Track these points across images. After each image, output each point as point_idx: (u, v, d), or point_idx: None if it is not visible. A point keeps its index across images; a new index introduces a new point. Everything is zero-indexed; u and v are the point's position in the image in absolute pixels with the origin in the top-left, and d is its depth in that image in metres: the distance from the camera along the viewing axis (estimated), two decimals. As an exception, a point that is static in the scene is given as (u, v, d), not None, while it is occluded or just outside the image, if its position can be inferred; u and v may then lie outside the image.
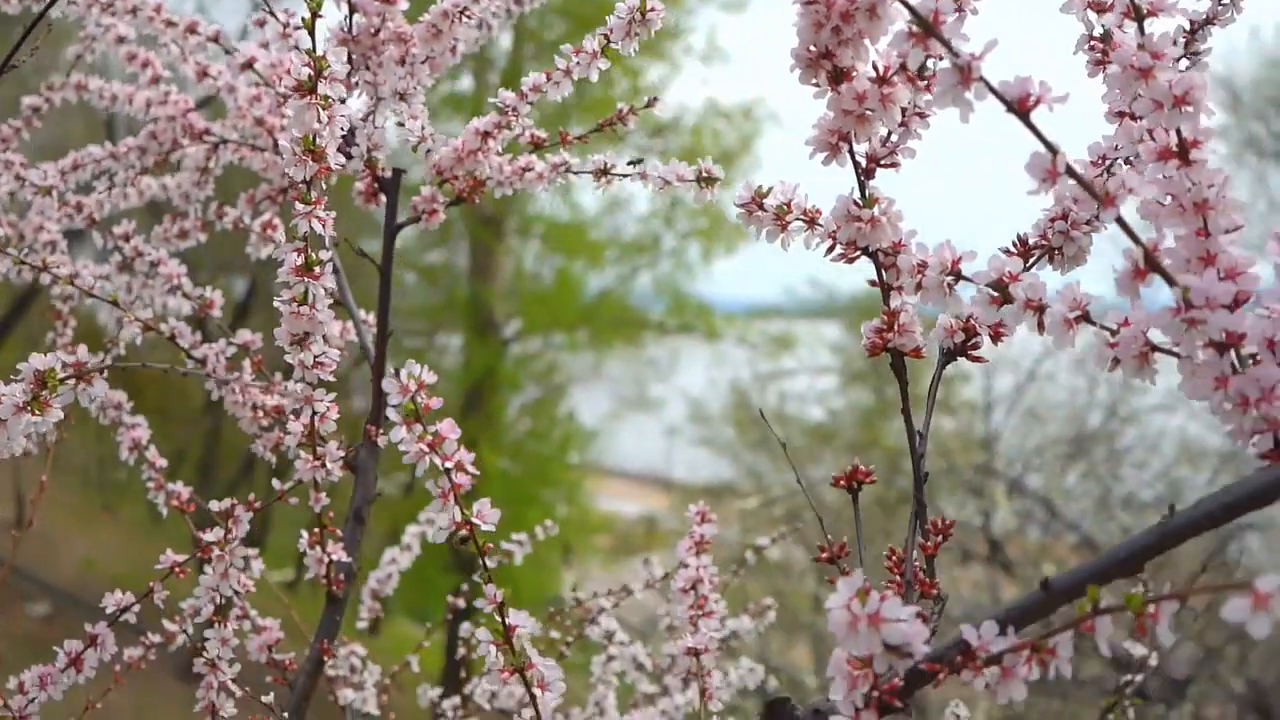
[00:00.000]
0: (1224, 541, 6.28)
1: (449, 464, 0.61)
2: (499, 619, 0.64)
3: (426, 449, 0.61)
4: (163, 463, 1.09)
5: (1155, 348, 0.53)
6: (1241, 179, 10.18)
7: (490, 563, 0.66)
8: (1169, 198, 0.54)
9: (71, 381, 0.66)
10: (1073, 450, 6.73)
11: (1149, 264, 0.50)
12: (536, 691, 0.64)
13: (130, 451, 1.09)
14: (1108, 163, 0.69)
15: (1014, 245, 0.68)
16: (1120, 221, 0.50)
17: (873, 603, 0.49)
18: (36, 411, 0.66)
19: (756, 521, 8.03)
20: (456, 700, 1.35)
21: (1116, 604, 0.46)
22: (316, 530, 0.95)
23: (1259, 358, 0.51)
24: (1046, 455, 6.73)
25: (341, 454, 0.89)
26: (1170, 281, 0.50)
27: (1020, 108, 0.50)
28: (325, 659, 0.98)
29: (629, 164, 0.94)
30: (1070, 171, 0.49)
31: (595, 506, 11.25)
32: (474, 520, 0.62)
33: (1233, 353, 0.52)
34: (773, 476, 8.85)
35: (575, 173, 0.95)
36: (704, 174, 0.83)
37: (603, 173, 0.94)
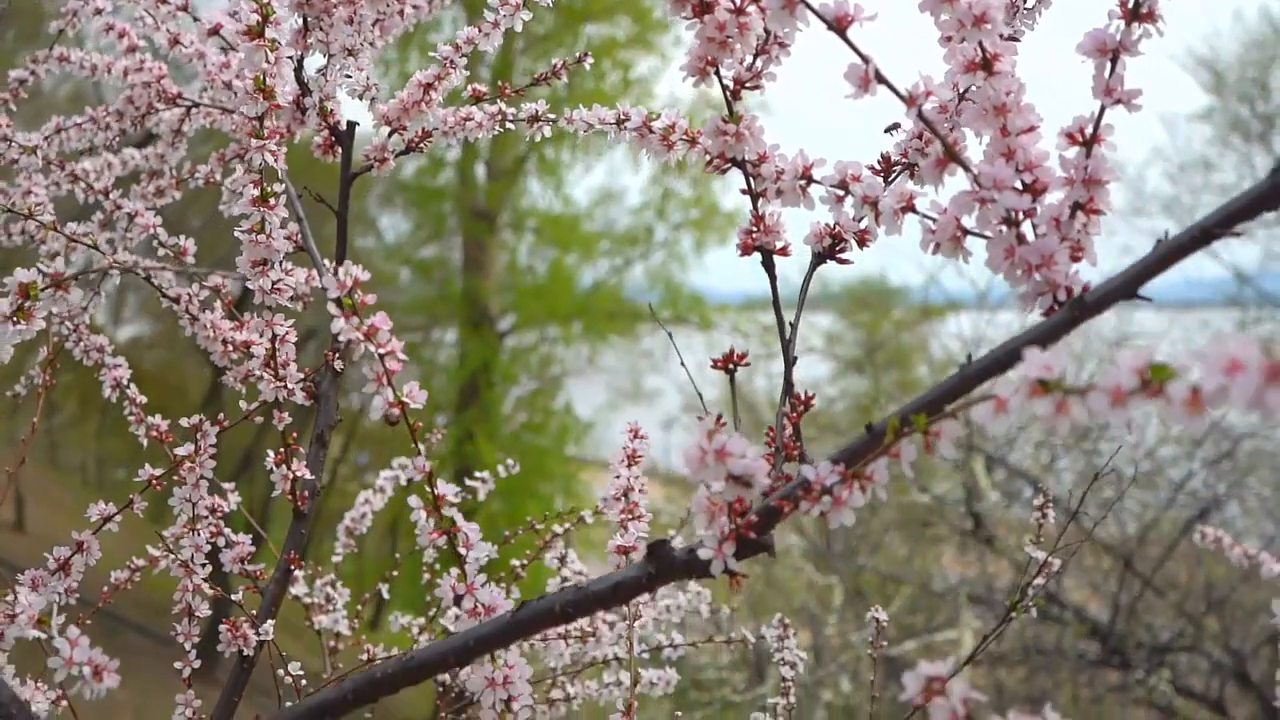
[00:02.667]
0: (1203, 512, 6.39)
1: (382, 350, 0.71)
2: (428, 488, 0.73)
3: (363, 337, 0.70)
4: (142, 399, 1.18)
5: (966, 231, 0.63)
6: (1228, 161, 10.28)
7: (423, 447, 0.75)
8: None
9: (51, 290, 0.75)
10: (1127, 487, 6.83)
11: (949, 155, 0.60)
12: (462, 550, 0.73)
13: (112, 390, 1.19)
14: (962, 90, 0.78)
15: (878, 161, 0.77)
16: (922, 118, 0.60)
17: (719, 440, 0.59)
18: (21, 319, 0.76)
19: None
20: (422, 620, 1.45)
21: (912, 428, 0.56)
22: (281, 450, 1.04)
23: (1046, 233, 0.60)
24: (1029, 432, 6.84)
25: (301, 375, 0.99)
26: (965, 168, 0.60)
27: (839, 25, 0.59)
28: (292, 568, 1.07)
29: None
30: (879, 77, 0.59)
31: (593, 499, 11.33)
32: (405, 399, 0.72)
33: (1030, 230, 0.62)
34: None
35: (511, 120, 1.05)
36: (621, 118, 0.93)
37: (535, 119, 1.04)
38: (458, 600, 0.73)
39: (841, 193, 0.68)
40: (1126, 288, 0.56)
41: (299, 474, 1.05)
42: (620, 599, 0.67)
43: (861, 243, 0.76)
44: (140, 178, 1.29)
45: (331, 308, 0.70)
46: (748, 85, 0.70)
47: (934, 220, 0.64)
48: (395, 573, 1.54)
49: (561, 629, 1.18)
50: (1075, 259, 0.60)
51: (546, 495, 10.93)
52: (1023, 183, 0.61)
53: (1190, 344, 8.67)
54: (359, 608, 1.44)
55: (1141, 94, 0.60)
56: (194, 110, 1.28)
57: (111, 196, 1.20)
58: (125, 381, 1.19)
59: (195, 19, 1.17)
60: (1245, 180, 10.43)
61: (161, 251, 1.15)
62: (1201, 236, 0.55)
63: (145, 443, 1.16)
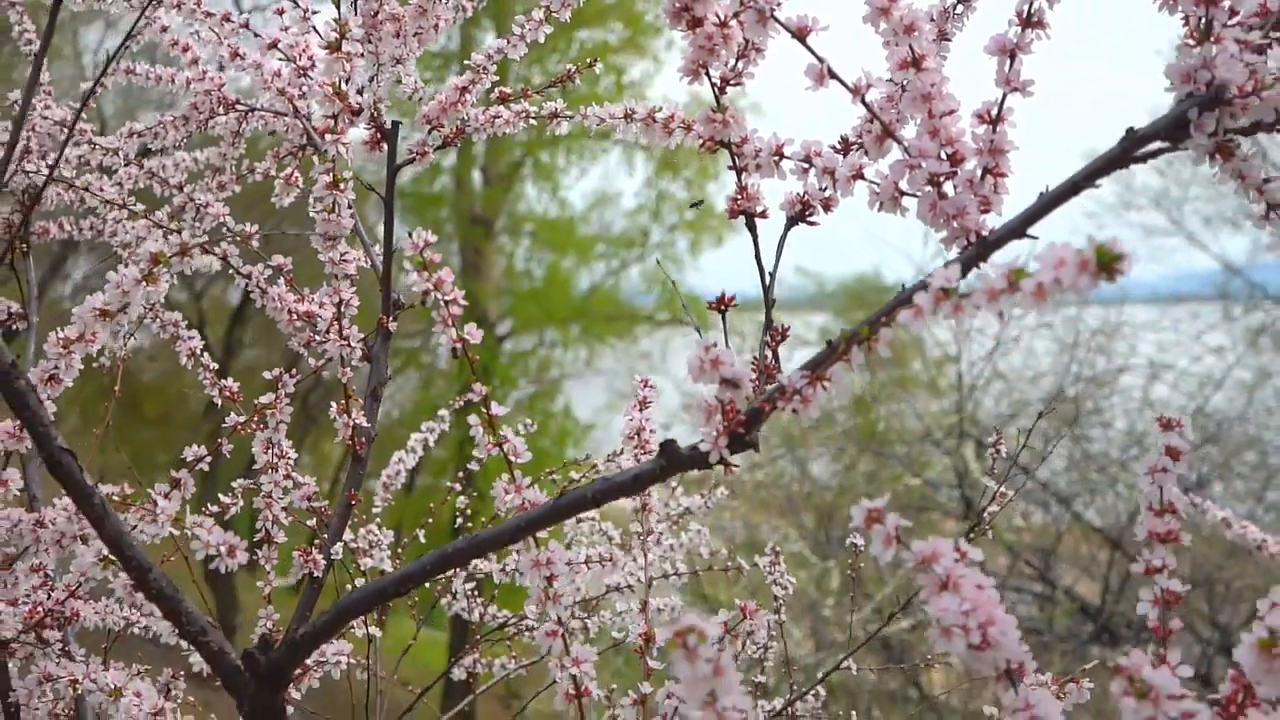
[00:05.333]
0: (1185, 492, 6.59)
1: (448, 298, 0.89)
2: (485, 410, 0.92)
3: (433, 287, 0.88)
4: (215, 365, 1.36)
5: (902, 191, 0.81)
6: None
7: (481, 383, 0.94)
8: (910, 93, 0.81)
9: (179, 257, 0.93)
10: (1048, 410, 7.04)
11: (885, 133, 0.78)
12: (511, 458, 0.92)
13: (188, 359, 1.37)
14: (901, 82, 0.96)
15: (840, 141, 0.95)
16: (865, 105, 0.78)
17: (714, 351, 0.77)
18: (150, 284, 0.94)
19: (752, 505, 8.33)
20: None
21: (855, 335, 0.74)
22: (343, 401, 1.23)
23: (961, 191, 0.79)
24: (1019, 418, 7.04)
25: (362, 336, 1.17)
26: (899, 142, 0.78)
27: (800, 34, 0.78)
28: (352, 504, 1.25)
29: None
30: (831, 74, 0.77)
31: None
32: (465, 336, 0.90)
33: (950, 188, 0.80)
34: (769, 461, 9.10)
35: (533, 118, 1.23)
36: (629, 112, 1.11)
37: (553, 116, 1.22)
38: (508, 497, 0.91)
39: (806, 165, 0.86)
40: (1018, 230, 0.74)
41: (358, 423, 1.23)
42: (639, 488, 0.85)
43: (826, 207, 0.94)
44: (204, 174, 1.48)
45: (406, 264, 0.89)
46: (731, 82, 0.88)
47: (878, 185, 0.82)
48: (430, 520, 1.72)
49: (583, 556, 1.36)
50: (985, 211, 0.78)
51: (548, 497, 11.06)
52: (945, 154, 0.79)
53: (1178, 335, 8.86)
54: (399, 550, 1.62)
55: (1034, 83, 0.78)
56: (250, 114, 1.46)
57: (185, 190, 1.38)
58: (199, 351, 1.38)
59: (256, 35, 1.35)
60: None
61: (230, 237, 1.33)
62: (1072, 189, 0.73)
63: (220, 402, 1.34)
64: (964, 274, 0.70)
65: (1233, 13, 0.72)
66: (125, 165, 1.42)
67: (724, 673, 0.62)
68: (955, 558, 0.67)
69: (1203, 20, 0.71)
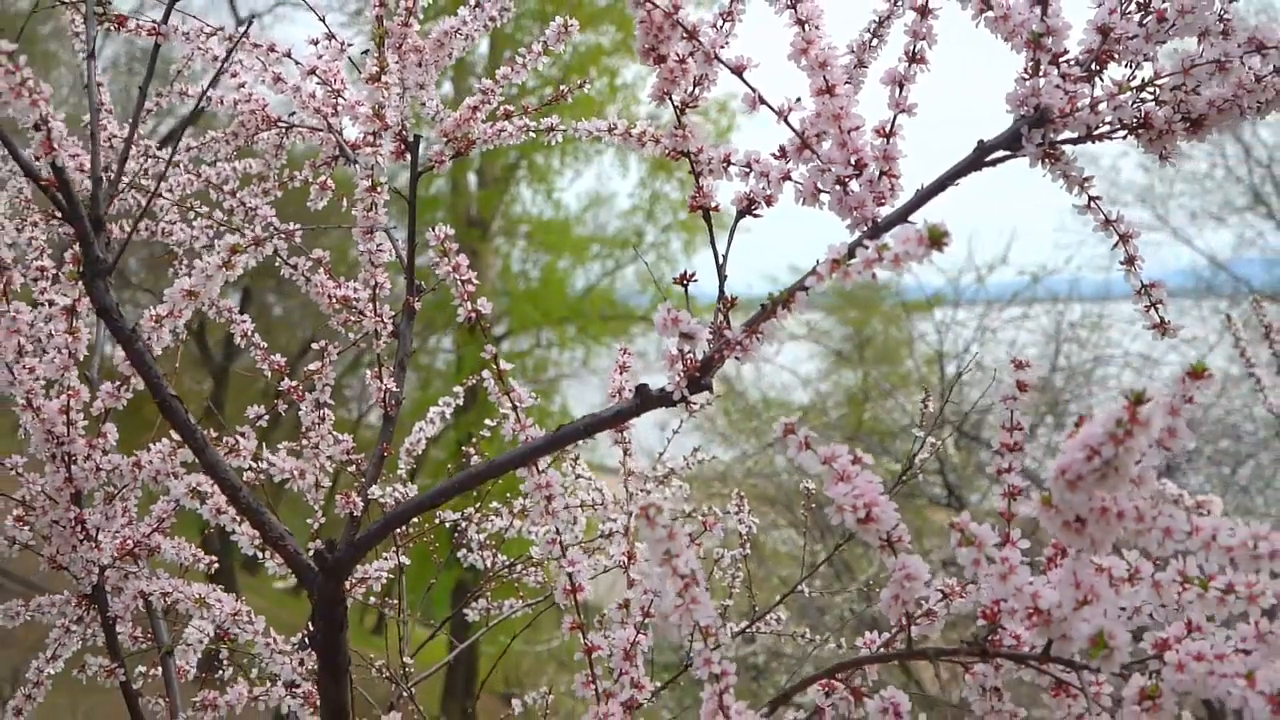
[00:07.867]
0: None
1: (463, 278, 1.13)
2: (495, 367, 1.16)
3: (452, 270, 1.13)
4: (264, 345, 1.60)
5: (820, 189, 1.05)
6: (1200, 150, 10.73)
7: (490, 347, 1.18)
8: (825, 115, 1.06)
9: (252, 247, 1.17)
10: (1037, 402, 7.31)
11: (803, 144, 1.03)
12: (518, 403, 1.16)
13: (241, 338, 1.61)
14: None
15: (779, 149, 1.19)
16: (787, 123, 1.02)
17: (674, 312, 1.01)
18: (228, 269, 1.18)
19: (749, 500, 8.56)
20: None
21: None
22: (376, 369, 1.47)
23: (862, 189, 1.03)
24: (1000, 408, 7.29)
25: (393, 313, 1.41)
26: (813, 151, 1.02)
27: (738, 70, 1.02)
28: (385, 455, 1.49)
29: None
30: (761, 100, 1.01)
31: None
32: (479, 309, 1.14)
33: (855, 185, 1.04)
34: (763, 458, 9.33)
35: (534, 132, 1.48)
36: (611, 128, 1.35)
37: (551, 129, 1.46)
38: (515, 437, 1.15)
39: (748, 170, 1.10)
40: (899, 218, 0.99)
41: (390, 387, 1.47)
42: (620, 421, 1.09)
43: (769, 203, 1.18)
44: (250, 181, 1.72)
45: (431, 253, 1.13)
46: (689, 105, 1.12)
47: (801, 184, 1.06)
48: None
49: (578, 501, 1.59)
50: (880, 204, 1.02)
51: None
52: (851, 161, 1.03)
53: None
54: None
55: (917, 106, 1.02)
56: (290, 130, 1.70)
57: (238, 195, 1.62)
58: (250, 332, 1.62)
59: (297, 63, 1.60)
60: (1218, 169, 10.93)
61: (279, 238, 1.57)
62: (939, 186, 0.97)
63: (269, 373, 1.58)
64: (852, 253, 0.94)
65: (1058, 55, 0.96)
66: (185, 174, 1.66)
67: (677, 536, 0.86)
68: (850, 459, 0.91)
69: (1032, 60, 0.95)
